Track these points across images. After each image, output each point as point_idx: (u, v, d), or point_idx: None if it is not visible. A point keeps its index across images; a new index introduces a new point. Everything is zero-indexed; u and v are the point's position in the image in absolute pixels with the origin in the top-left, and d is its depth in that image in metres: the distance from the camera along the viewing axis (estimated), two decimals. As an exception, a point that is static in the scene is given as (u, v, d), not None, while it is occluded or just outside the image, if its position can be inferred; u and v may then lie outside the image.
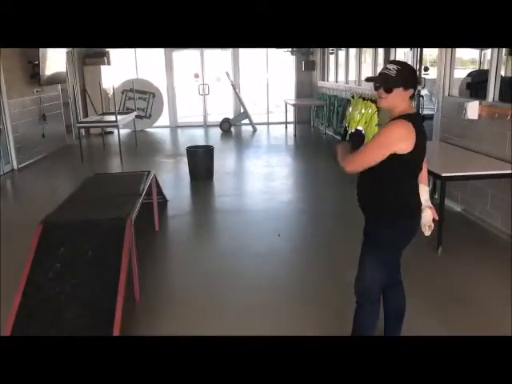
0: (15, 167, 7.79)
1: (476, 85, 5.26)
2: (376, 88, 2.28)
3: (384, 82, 2.23)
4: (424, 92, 7.04)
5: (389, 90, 2.23)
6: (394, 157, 2.20)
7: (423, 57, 6.39)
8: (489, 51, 5.16)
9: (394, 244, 2.42)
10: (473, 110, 4.70)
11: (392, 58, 6.86)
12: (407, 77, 2.24)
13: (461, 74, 5.90)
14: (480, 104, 4.67)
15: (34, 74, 8.28)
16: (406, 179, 2.34)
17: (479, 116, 4.69)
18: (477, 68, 6.41)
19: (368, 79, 2.38)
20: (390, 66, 2.23)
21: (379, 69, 8.72)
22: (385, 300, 2.58)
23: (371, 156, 2.28)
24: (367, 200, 2.44)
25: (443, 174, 3.97)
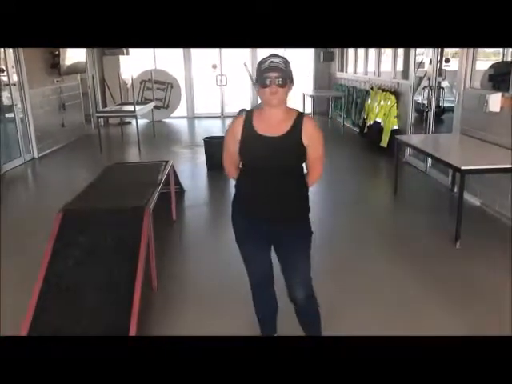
0: (36, 156, 7.91)
1: (499, 77, 5.16)
2: (268, 83, 2.09)
3: (284, 75, 2.09)
4: (445, 84, 6.94)
5: (283, 85, 2.10)
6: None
7: (444, 48, 6.29)
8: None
9: None
10: (495, 102, 4.62)
11: (412, 48, 6.75)
12: (291, 71, 2.16)
13: (483, 65, 5.79)
14: (502, 96, 4.59)
15: (54, 64, 8.37)
16: None
17: (501, 108, 4.61)
18: (500, 60, 6.28)
19: (268, 70, 2.10)
20: (277, 60, 2.11)
21: (399, 60, 8.53)
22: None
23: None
24: (294, 203, 2.32)
25: (462, 167, 3.92)
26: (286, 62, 2.13)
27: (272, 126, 2.18)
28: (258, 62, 2.17)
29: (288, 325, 2.53)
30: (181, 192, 5.61)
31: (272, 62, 2.09)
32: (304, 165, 2.31)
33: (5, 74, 7.28)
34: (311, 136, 2.19)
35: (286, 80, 2.11)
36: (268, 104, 2.16)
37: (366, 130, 8.33)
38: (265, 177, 2.21)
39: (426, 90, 6.43)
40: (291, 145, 2.18)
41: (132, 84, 9.97)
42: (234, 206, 2.41)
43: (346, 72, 10.90)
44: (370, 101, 8.30)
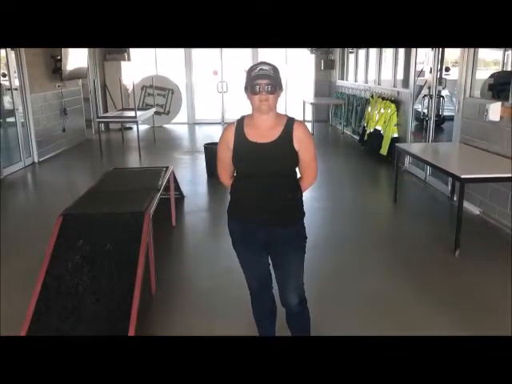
0: (36, 160, 7.91)
1: (499, 86, 5.18)
2: (258, 90, 2.11)
3: (273, 82, 2.12)
4: (445, 93, 6.97)
5: (273, 92, 2.13)
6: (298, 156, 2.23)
7: (444, 57, 6.32)
8: (512, 52, 5.07)
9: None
10: (494, 111, 4.63)
11: (413, 57, 6.77)
12: (280, 78, 2.19)
13: (483, 74, 5.81)
14: (502, 105, 4.61)
15: (55, 68, 8.40)
16: None
17: (501, 118, 4.63)
18: (500, 69, 6.31)
19: (259, 77, 2.13)
20: (266, 67, 2.13)
21: (400, 68, 8.55)
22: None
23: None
24: (288, 208, 2.30)
25: (462, 176, 3.92)
26: (275, 69, 2.16)
27: (263, 132, 2.21)
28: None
29: (287, 328, 2.52)
30: (180, 198, 5.61)
31: (261, 69, 2.12)
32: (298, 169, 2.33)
33: (7, 78, 7.31)
34: (302, 140, 2.20)
35: (276, 87, 2.14)
36: (258, 110, 2.18)
37: (365, 137, 8.34)
38: (258, 183, 2.23)
39: (426, 99, 6.45)
40: (283, 150, 2.19)
41: (133, 90, 10.02)
42: (230, 212, 2.43)
43: (347, 80, 10.94)
44: (370, 109, 8.33)
